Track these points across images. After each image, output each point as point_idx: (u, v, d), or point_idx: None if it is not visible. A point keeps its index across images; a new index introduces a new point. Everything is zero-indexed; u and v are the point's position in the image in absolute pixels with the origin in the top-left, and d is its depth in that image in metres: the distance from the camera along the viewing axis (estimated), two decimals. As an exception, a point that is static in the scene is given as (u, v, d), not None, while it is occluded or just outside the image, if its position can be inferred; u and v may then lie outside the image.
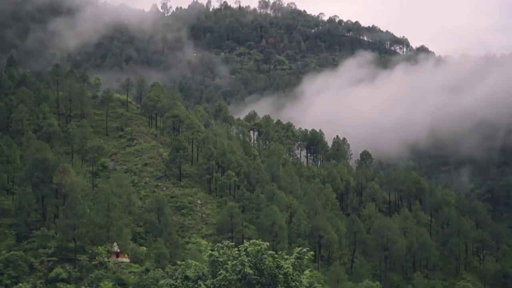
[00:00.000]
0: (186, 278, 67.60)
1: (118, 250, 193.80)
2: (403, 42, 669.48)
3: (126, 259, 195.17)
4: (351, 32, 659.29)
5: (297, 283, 64.82)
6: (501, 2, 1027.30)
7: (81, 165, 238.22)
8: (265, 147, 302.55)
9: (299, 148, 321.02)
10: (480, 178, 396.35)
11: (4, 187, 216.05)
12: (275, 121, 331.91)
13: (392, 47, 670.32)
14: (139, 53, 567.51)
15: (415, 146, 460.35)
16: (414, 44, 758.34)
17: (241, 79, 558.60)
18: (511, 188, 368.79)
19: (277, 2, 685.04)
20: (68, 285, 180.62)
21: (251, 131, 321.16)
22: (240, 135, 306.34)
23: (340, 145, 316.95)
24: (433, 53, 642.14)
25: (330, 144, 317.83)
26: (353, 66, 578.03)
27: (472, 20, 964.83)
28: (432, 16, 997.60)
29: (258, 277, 64.13)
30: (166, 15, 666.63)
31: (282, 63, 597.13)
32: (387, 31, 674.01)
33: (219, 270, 64.88)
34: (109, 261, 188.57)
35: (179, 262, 72.18)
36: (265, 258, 64.75)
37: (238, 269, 64.18)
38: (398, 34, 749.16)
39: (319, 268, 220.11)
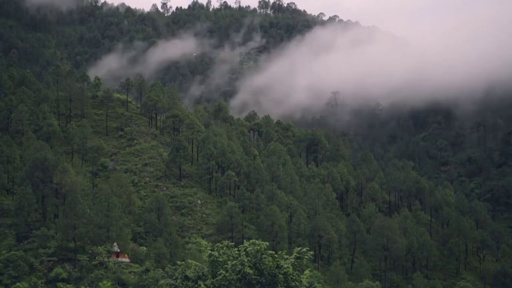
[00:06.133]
0: (186, 278, 67.47)
1: (118, 250, 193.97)
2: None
3: (126, 259, 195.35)
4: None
5: (297, 283, 64.68)
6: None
7: (81, 165, 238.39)
8: (265, 147, 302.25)
9: (299, 148, 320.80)
10: (480, 178, 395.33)
11: (4, 187, 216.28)
12: (275, 121, 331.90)
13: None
14: (139, 53, 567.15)
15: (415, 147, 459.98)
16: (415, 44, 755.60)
17: (241, 79, 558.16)
18: (511, 188, 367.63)
19: (277, 2, 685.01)
20: (68, 285, 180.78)
21: (251, 131, 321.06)
22: (240, 135, 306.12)
23: (340, 145, 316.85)
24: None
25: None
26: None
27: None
28: (435, 18, 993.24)
29: (258, 277, 64.05)
30: (166, 15, 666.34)
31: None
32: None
33: (219, 270, 64.78)
34: (109, 261, 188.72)
35: (179, 262, 72.13)
36: (265, 258, 64.59)
37: (238, 269, 64.06)
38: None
39: (319, 268, 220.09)
